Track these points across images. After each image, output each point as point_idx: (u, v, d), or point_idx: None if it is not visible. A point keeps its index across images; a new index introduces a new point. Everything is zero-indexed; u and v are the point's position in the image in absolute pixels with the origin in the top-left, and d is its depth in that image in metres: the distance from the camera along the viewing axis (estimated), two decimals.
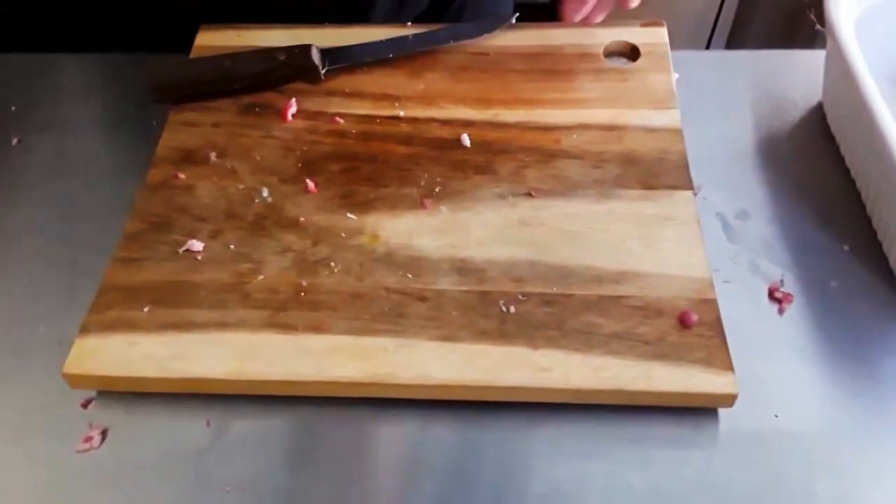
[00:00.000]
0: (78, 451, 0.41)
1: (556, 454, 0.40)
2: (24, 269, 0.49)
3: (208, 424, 0.42)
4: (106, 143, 0.56)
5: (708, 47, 1.31)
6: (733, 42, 1.32)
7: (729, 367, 0.40)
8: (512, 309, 0.43)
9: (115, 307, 0.44)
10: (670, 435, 0.41)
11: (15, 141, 0.56)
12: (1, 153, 0.55)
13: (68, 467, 0.41)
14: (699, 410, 0.41)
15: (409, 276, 0.45)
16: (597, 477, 0.40)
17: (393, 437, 0.41)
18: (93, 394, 0.43)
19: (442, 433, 0.41)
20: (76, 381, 0.42)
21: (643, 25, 0.58)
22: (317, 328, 0.43)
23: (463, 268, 0.45)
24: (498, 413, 0.42)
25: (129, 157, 0.55)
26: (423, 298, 0.44)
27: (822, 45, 0.54)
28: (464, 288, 0.44)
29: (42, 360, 0.44)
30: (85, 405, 0.43)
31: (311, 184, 0.49)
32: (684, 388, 0.40)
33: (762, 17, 1.28)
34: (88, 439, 0.42)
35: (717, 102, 0.56)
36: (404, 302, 0.44)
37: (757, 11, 1.28)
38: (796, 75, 0.58)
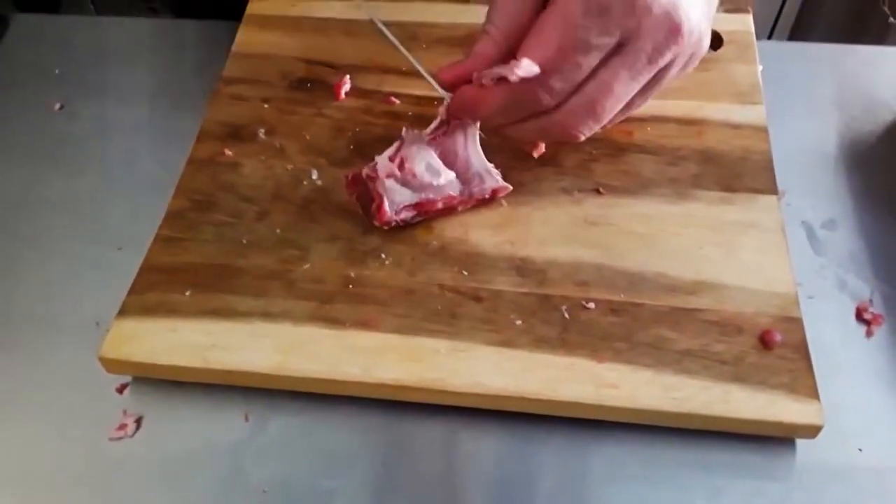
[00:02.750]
0: (111, 439, 0.39)
1: (614, 477, 0.38)
2: (62, 243, 0.47)
3: (247, 419, 0.40)
4: (151, 113, 0.54)
5: (769, 39, 1.25)
6: (796, 36, 1.25)
7: (814, 394, 0.37)
8: (575, 316, 0.40)
9: (156, 289, 0.42)
10: (742, 463, 0.38)
11: (58, 106, 0.54)
12: (43, 119, 0.54)
13: (100, 454, 0.39)
14: (775, 438, 0.38)
15: (465, 272, 0.42)
16: None
17: (440, 445, 0.39)
18: (128, 378, 0.41)
19: (492, 445, 0.39)
20: (112, 365, 0.40)
21: (727, 11, 0.53)
22: (364, 324, 0.40)
23: (522, 267, 0.42)
24: (553, 427, 0.39)
25: (175, 127, 0.52)
26: (478, 298, 0.41)
27: (894, 42, 0.49)
28: (523, 290, 0.41)
29: (78, 340, 0.42)
30: (120, 390, 0.41)
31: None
32: (764, 416, 0.36)
33: (829, 9, 1.21)
34: (122, 427, 0.40)
35: (803, 99, 0.53)
36: (458, 301, 0.41)
37: (825, 5, 1.22)
38: (888, 73, 0.54)
